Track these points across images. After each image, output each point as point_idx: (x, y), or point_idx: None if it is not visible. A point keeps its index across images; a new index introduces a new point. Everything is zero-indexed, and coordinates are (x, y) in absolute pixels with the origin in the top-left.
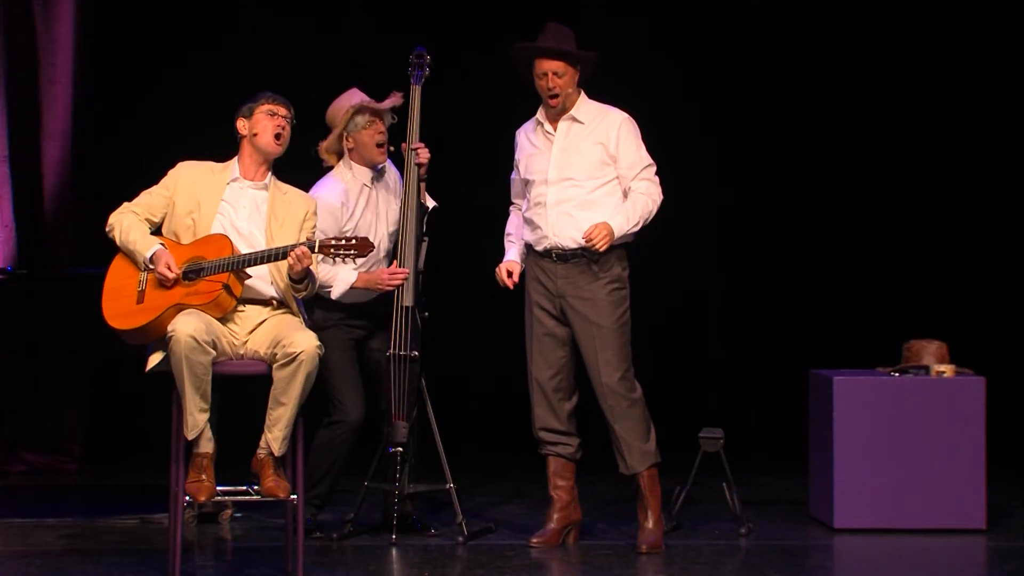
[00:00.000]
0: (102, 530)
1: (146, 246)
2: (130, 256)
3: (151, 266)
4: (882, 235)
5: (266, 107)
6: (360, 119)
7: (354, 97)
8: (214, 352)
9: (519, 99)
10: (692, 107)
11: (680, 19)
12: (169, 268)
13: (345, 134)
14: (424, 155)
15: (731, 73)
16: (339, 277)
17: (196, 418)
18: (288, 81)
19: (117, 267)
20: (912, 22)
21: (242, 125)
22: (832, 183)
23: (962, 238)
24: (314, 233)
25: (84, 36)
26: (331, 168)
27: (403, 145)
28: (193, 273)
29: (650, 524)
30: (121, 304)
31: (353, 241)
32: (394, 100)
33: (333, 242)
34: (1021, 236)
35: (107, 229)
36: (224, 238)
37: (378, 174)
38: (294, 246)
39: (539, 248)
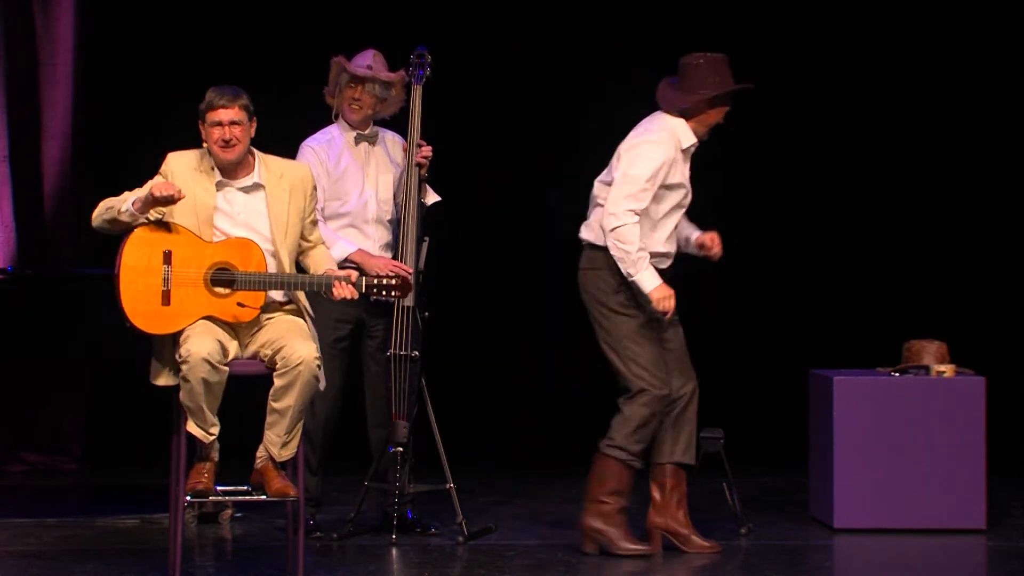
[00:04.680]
0: (102, 530)
1: (126, 197)
2: (115, 223)
3: (142, 209)
4: (883, 235)
5: (211, 117)
6: (344, 78)
7: (364, 56)
8: (227, 369)
9: (519, 98)
10: None
11: (684, 20)
12: (168, 187)
13: (336, 88)
14: (425, 152)
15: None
16: (335, 249)
17: (215, 427)
18: (290, 80)
19: (134, 250)
20: (909, 23)
21: (201, 131)
22: (832, 183)
23: (962, 238)
24: (315, 209)
25: (84, 36)
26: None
27: (403, 144)
28: (224, 284)
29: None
30: (144, 300)
31: (395, 281)
32: (386, 74)
33: (376, 281)
34: (1021, 236)
35: (93, 223)
36: (252, 246)
37: (369, 137)
38: (337, 278)
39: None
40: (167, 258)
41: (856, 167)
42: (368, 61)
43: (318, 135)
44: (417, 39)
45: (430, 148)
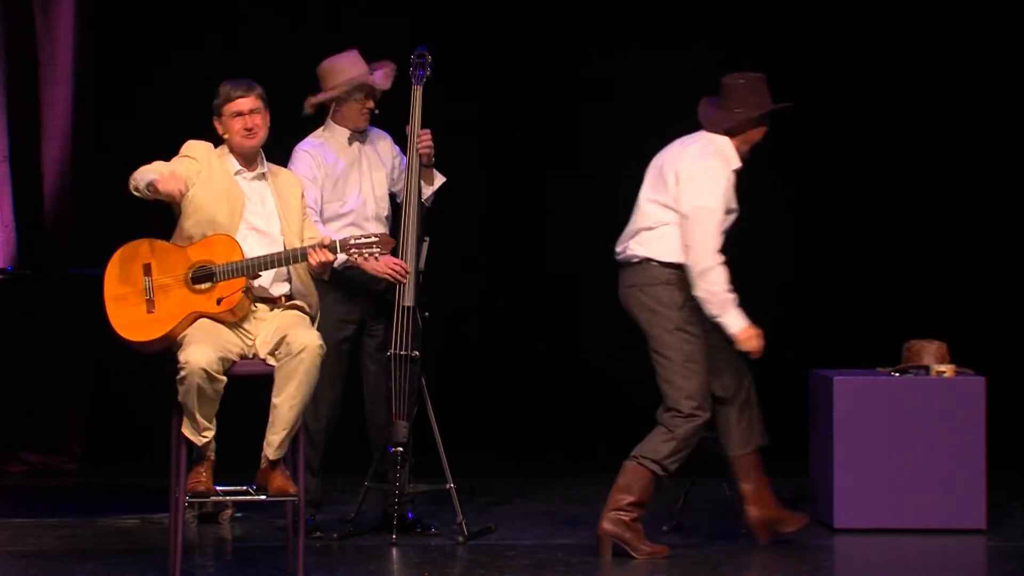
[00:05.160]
0: (102, 530)
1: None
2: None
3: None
4: (883, 235)
5: (230, 108)
6: (358, 93)
7: (355, 63)
8: (225, 378)
9: (519, 98)
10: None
11: (684, 20)
12: (175, 182)
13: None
14: (425, 141)
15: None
16: None
17: (208, 431)
18: (290, 80)
19: (114, 272)
20: (907, 23)
21: (218, 126)
22: (832, 183)
23: (963, 238)
24: (306, 212)
25: (84, 36)
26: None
27: (391, 140)
28: (204, 279)
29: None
30: (131, 313)
31: (373, 238)
32: (389, 72)
33: (353, 240)
34: (1021, 236)
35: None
36: (229, 240)
37: (361, 136)
38: (311, 247)
39: None
40: (147, 270)
41: (856, 167)
42: (366, 67)
43: (311, 138)
44: (417, 39)
45: (429, 135)
